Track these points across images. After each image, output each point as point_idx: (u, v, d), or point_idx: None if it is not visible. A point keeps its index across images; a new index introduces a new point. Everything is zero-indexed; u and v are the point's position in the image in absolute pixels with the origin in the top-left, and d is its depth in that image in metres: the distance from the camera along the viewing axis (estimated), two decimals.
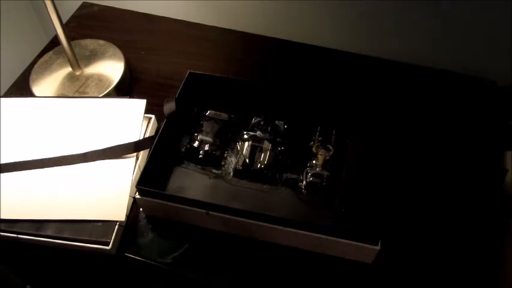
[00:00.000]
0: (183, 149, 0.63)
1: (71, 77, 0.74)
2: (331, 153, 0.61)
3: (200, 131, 0.63)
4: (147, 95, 0.68)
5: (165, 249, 0.57)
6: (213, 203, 0.54)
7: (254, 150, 0.61)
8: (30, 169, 0.61)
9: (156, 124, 0.68)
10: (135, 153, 0.62)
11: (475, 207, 0.61)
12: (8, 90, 0.75)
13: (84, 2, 0.89)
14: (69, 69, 0.74)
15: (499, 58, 0.73)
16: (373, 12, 0.75)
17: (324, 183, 0.59)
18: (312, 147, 0.62)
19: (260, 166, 0.60)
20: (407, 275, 0.55)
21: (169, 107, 0.62)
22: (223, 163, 0.62)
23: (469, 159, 0.66)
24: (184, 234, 0.58)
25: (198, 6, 0.84)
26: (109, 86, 0.71)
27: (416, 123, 0.69)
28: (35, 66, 0.75)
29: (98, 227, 0.56)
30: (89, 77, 0.73)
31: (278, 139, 0.62)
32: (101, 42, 0.79)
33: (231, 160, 0.63)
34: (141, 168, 0.60)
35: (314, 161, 0.61)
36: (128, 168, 0.61)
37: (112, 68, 0.74)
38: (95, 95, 0.71)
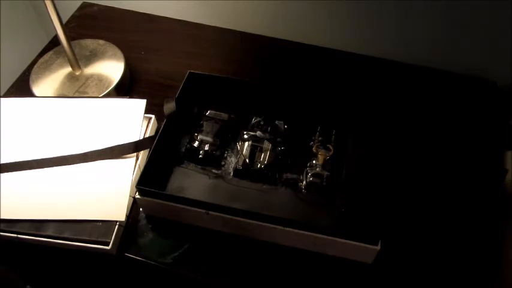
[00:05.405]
0: (183, 149, 0.63)
1: (71, 77, 0.73)
2: (331, 153, 0.61)
3: (200, 131, 0.63)
4: (147, 95, 0.68)
5: (165, 249, 0.57)
6: (213, 203, 0.54)
7: (254, 150, 0.61)
8: (30, 169, 0.61)
9: (156, 124, 0.68)
10: (135, 153, 0.62)
11: (474, 208, 0.61)
12: (8, 90, 0.75)
13: (84, 2, 0.89)
14: (69, 69, 0.74)
15: (499, 58, 0.73)
16: (372, 12, 0.75)
17: (324, 183, 0.59)
18: (312, 147, 0.62)
19: (260, 166, 0.60)
20: (407, 275, 0.55)
21: (169, 107, 0.62)
22: (223, 163, 0.62)
23: (469, 159, 0.66)
24: (184, 234, 0.58)
25: (198, 6, 0.84)
26: (109, 86, 0.71)
27: (416, 123, 0.69)
28: (35, 66, 0.75)
29: (98, 227, 0.56)
30: (89, 77, 0.73)
31: (278, 139, 0.62)
32: (101, 42, 0.79)
33: (231, 160, 0.63)
34: (141, 168, 0.60)
35: (314, 161, 0.60)
36: (128, 168, 0.61)
37: (112, 68, 0.74)
38: (95, 95, 0.71)
